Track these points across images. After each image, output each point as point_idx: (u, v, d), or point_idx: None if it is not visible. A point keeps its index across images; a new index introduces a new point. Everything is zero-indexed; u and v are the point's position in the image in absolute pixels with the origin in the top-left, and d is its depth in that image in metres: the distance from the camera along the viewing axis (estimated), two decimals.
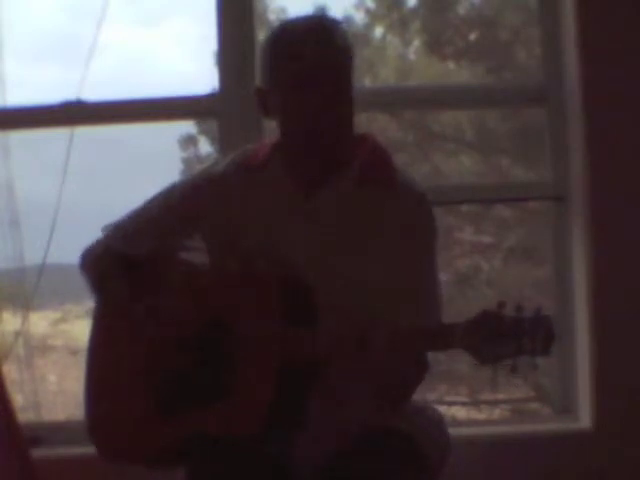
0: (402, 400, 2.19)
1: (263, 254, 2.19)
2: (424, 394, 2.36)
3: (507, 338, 1.92)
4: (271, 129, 2.47)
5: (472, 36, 3.53)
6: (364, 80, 3.57)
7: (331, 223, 2.20)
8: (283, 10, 3.37)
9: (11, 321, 3.20)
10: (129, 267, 2.26)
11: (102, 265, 2.30)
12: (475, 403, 3.54)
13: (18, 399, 3.14)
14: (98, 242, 2.37)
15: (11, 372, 3.13)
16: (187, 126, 3.46)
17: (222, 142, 3.18)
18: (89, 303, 2.48)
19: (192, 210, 2.31)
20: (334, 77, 2.16)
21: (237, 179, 2.28)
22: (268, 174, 2.26)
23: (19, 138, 3.22)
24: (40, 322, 3.33)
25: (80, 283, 2.37)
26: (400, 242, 2.17)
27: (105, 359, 2.29)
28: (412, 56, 3.55)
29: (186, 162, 3.48)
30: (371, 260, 2.16)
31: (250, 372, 2.09)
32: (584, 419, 3.15)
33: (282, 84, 2.17)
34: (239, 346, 2.12)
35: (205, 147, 3.48)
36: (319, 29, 2.18)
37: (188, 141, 3.48)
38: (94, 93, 3.16)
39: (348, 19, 3.46)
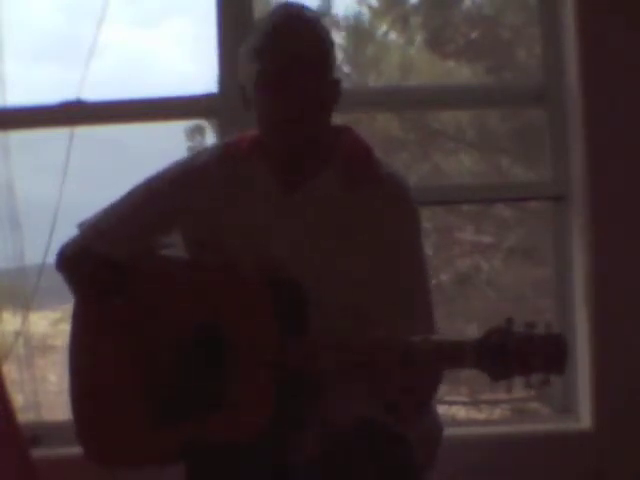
0: (417, 410, 2.17)
1: (250, 253, 2.17)
2: None
3: (518, 357, 1.90)
4: None
5: (473, 35, 3.53)
6: (367, 77, 3.57)
7: (315, 220, 2.18)
8: None
9: (11, 321, 3.20)
10: (112, 268, 2.23)
11: (83, 266, 2.26)
12: (475, 403, 3.53)
13: (18, 399, 3.14)
14: (75, 241, 2.33)
15: (11, 372, 3.13)
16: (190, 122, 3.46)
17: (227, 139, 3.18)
18: None
19: (173, 204, 2.27)
20: (304, 81, 2.12)
21: (218, 172, 2.25)
22: (250, 168, 2.23)
23: (19, 138, 3.22)
24: (40, 322, 3.33)
25: None
26: (384, 239, 2.16)
27: (90, 363, 2.26)
28: (413, 54, 3.54)
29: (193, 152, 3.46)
30: (358, 257, 2.15)
31: (245, 380, 2.08)
32: (584, 419, 3.15)
33: (255, 84, 2.15)
34: (233, 352, 2.10)
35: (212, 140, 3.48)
36: (292, 29, 2.15)
37: (196, 131, 3.46)
38: (94, 93, 3.16)
39: (352, 15, 3.46)
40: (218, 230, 2.23)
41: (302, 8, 2.21)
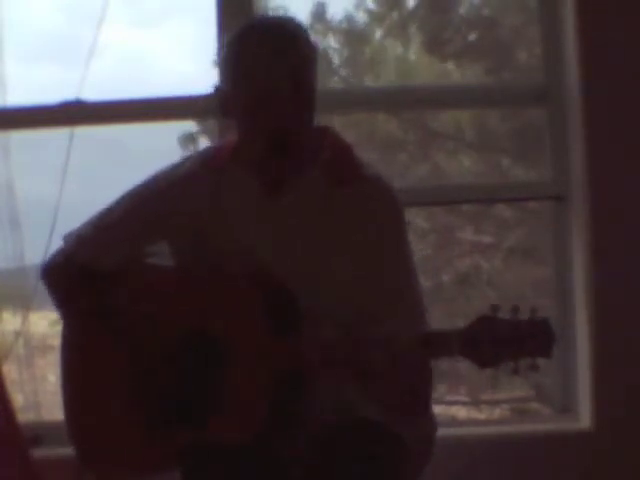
0: (417, 408, 2.18)
1: (238, 258, 2.16)
2: None
3: (505, 342, 1.92)
4: None
5: (472, 36, 3.53)
6: (364, 79, 3.57)
7: (301, 221, 2.18)
8: (284, 9, 3.37)
9: (11, 321, 3.20)
10: (95, 279, 2.23)
11: (67, 278, 2.27)
12: (475, 403, 3.54)
13: (18, 399, 3.14)
14: (60, 253, 2.33)
15: (11, 372, 3.13)
16: (187, 125, 3.46)
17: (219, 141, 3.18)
18: None
19: (157, 213, 2.27)
20: (292, 86, 2.12)
21: (202, 179, 2.25)
22: (233, 174, 2.23)
23: (19, 138, 3.22)
24: (40, 322, 3.33)
25: None
26: (372, 238, 2.16)
27: (80, 374, 2.27)
28: (412, 56, 3.55)
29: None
30: (344, 257, 2.15)
31: (241, 382, 2.08)
32: (584, 419, 3.15)
33: (240, 92, 2.15)
34: (227, 355, 2.10)
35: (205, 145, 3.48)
36: (279, 38, 2.14)
37: (188, 140, 3.48)
38: (94, 93, 3.16)
39: (349, 19, 3.46)
40: (205, 236, 2.23)
41: (287, 20, 2.23)
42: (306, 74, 2.16)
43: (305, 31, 2.21)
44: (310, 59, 2.18)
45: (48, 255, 2.39)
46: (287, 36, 2.16)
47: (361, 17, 3.48)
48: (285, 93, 2.11)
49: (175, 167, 2.32)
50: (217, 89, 2.23)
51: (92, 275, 2.24)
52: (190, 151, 3.47)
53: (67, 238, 2.35)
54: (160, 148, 3.27)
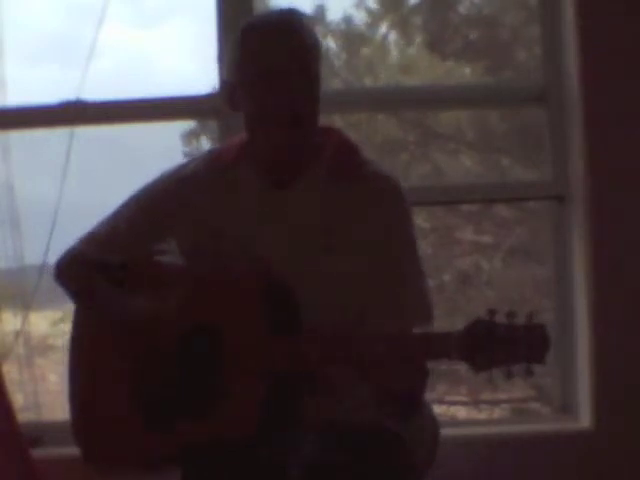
0: (408, 407, 2.18)
1: (240, 256, 2.18)
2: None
3: (501, 346, 1.91)
4: None
5: (472, 35, 3.53)
6: (364, 79, 3.57)
7: (303, 220, 2.19)
8: None
9: (11, 321, 3.20)
10: (106, 273, 2.26)
11: (79, 272, 2.30)
12: (475, 403, 3.53)
13: (18, 399, 3.14)
14: (72, 250, 2.35)
15: (11, 372, 3.13)
16: (188, 125, 3.46)
17: (222, 142, 3.18)
18: None
19: (165, 213, 2.29)
20: (299, 78, 2.14)
21: (208, 179, 2.27)
22: (238, 174, 2.25)
23: (19, 138, 3.22)
24: (40, 322, 3.33)
25: None
26: (375, 236, 2.16)
27: (88, 368, 2.28)
28: (412, 55, 3.55)
29: (189, 157, 3.47)
30: (346, 256, 2.15)
31: (240, 381, 2.09)
32: (584, 419, 3.15)
33: (248, 83, 2.17)
34: (227, 354, 2.10)
35: (207, 145, 3.48)
36: (285, 28, 2.17)
37: (191, 136, 3.48)
38: (94, 93, 3.16)
39: (348, 18, 3.46)
40: (210, 235, 2.24)
41: (293, 11, 2.23)
42: (311, 76, 2.18)
43: (309, 22, 2.22)
44: (313, 46, 2.19)
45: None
46: (292, 25, 2.18)
47: (361, 17, 3.48)
48: (291, 71, 2.13)
49: (182, 167, 2.34)
50: (224, 83, 2.24)
51: (102, 270, 2.27)
52: (193, 147, 3.47)
53: (80, 240, 2.37)
54: (160, 148, 3.28)
